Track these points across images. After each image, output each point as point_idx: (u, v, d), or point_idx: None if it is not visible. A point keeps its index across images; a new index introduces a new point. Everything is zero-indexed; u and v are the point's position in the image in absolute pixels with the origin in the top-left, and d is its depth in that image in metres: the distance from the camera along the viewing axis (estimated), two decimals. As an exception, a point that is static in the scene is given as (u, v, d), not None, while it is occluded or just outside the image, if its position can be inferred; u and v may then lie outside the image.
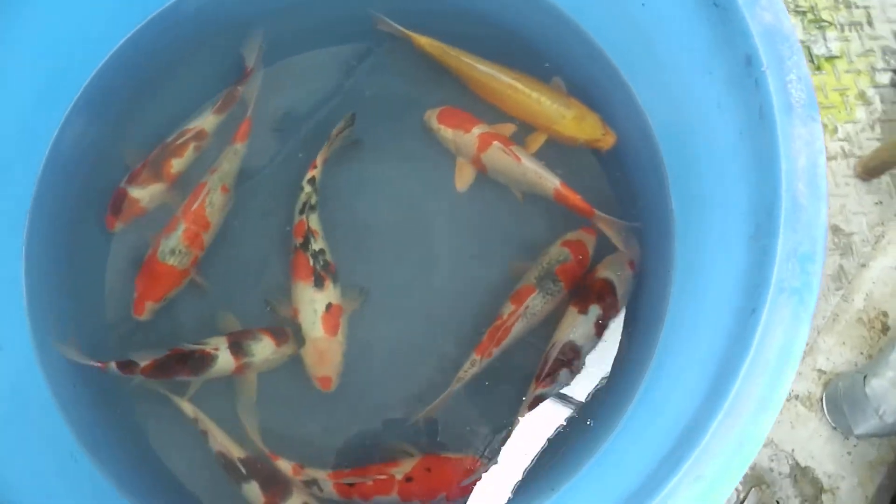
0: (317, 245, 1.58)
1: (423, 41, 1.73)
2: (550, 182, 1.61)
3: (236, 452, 1.48)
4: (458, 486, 1.45)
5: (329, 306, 1.54)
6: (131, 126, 1.71)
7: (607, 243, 1.61)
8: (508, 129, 1.71)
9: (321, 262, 1.57)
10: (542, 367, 1.50)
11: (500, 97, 1.72)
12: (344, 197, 1.70)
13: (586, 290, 1.56)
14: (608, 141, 1.67)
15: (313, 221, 1.60)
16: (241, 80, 1.71)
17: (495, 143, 1.64)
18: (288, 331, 1.56)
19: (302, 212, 1.60)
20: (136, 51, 1.67)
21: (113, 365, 1.47)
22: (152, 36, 1.68)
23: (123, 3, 1.60)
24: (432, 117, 1.71)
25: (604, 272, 1.57)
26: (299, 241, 1.58)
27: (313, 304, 1.54)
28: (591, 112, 1.68)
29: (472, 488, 1.45)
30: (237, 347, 1.51)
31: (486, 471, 1.46)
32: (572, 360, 1.50)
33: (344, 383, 1.56)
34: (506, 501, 1.45)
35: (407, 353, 1.61)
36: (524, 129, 1.72)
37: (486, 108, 1.73)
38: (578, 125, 1.67)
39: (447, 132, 1.69)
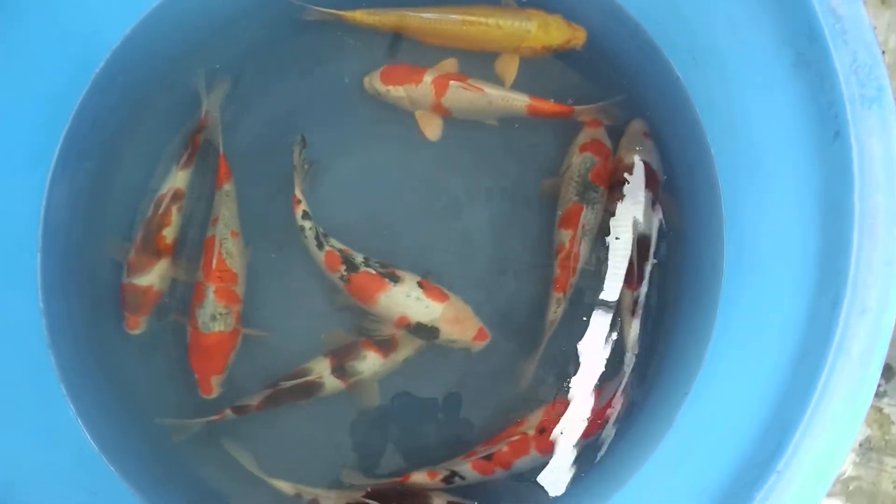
0: (358, 258, 1.51)
1: (357, 15, 1.63)
2: (521, 100, 1.59)
3: (357, 495, 1.44)
4: (592, 422, 1.43)
5: (420, 284, 1.49)
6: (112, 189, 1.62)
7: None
8: (453, 64, 1.65)
9: (377, 265, 1.50)
10: (629, 270, 1.49)
11: (456, 37, 1.63)
12: (337, 203, 1.62)
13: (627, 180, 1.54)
14: (580, 37, 1.62)
15: (336, 244, 1.52)
16: (200, 124, 1.60)
17: (452, 83, 1.60)
18: (394, 337, 1.50)
19: (321, 246, 1.51)
20: (96, 106, 1.56)
21: (229, 412, 1.46)
22: (107, 89, 1.57)
23: (68, 63, 1.49)
24: (374, 81, 1.62)
25: (630, 156, 1.55)
26: (343, 269, 1.49)
27: (409, 296, 1.47)
28: (552, 15, 1.62)
29: (605, 422, 1.45)
30: (341, 371, 1.47)
31: (611, 397, 1.45)
32: (650, 250, 1.50)
33: (424, 374, 1.54)
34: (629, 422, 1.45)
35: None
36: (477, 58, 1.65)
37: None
38: (547, 33, 1.60)
39: (398, 90, 1.61)
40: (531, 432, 1.43)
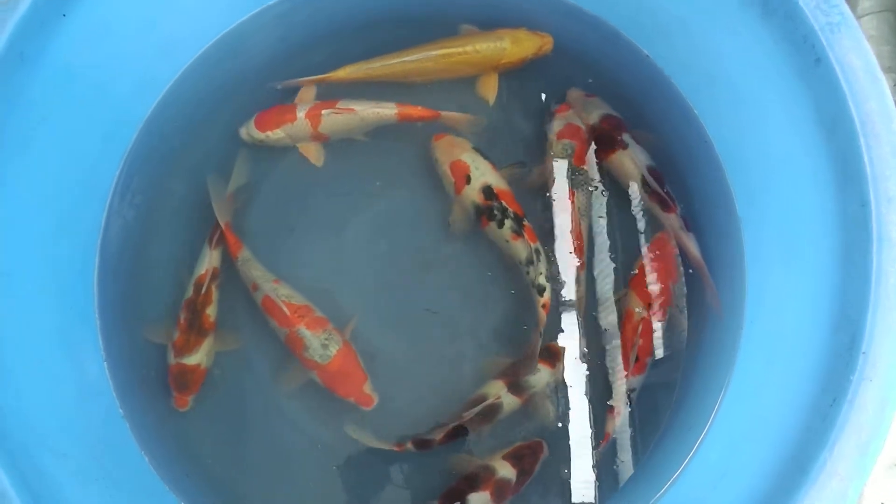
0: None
1: (341, 73, 1.74)
2: (389, 110, 1.68)
3: None
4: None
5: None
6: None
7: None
8: (310, 91, 1.75)
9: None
10: (659, 198, 1.62)
11: (439, 70, 1.74)
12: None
13: (604, 137, 1.68)
14: (548, 41, 1.74)
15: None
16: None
17: (324, 111, 1.69)
18: (559, 348, 1.58)
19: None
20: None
21: (410, 445, 1.50)
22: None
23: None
24: (251, 131, 1.70)
25: (591, 116, 1.70)
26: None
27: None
28: (517, 29, 1.73)
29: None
30: (516, 388, 1.53)
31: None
32: (662, 181, 1.64)
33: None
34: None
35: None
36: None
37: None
38: (520, 46, 1.72)
39: (276, 133, 1.69)
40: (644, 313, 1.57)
